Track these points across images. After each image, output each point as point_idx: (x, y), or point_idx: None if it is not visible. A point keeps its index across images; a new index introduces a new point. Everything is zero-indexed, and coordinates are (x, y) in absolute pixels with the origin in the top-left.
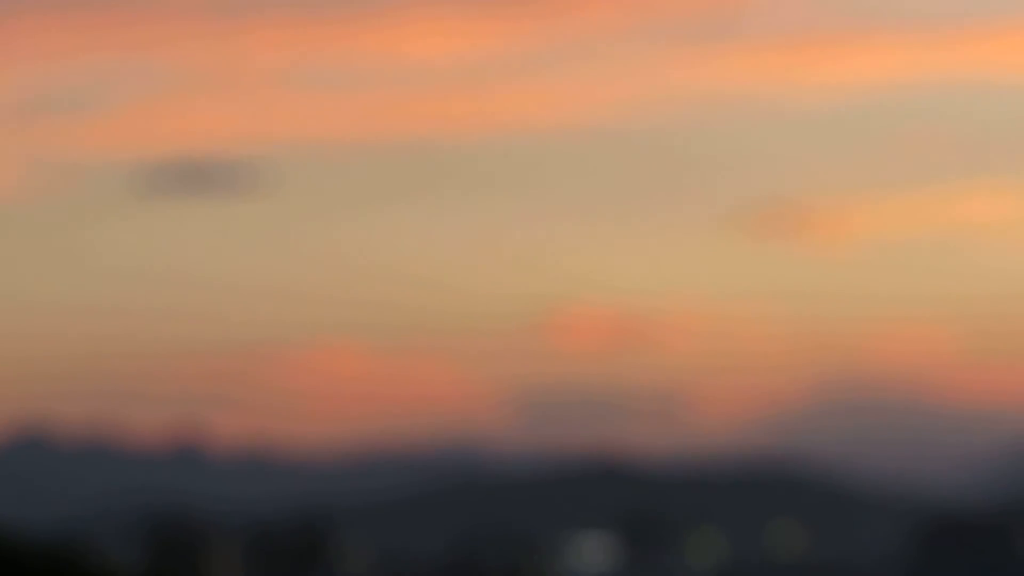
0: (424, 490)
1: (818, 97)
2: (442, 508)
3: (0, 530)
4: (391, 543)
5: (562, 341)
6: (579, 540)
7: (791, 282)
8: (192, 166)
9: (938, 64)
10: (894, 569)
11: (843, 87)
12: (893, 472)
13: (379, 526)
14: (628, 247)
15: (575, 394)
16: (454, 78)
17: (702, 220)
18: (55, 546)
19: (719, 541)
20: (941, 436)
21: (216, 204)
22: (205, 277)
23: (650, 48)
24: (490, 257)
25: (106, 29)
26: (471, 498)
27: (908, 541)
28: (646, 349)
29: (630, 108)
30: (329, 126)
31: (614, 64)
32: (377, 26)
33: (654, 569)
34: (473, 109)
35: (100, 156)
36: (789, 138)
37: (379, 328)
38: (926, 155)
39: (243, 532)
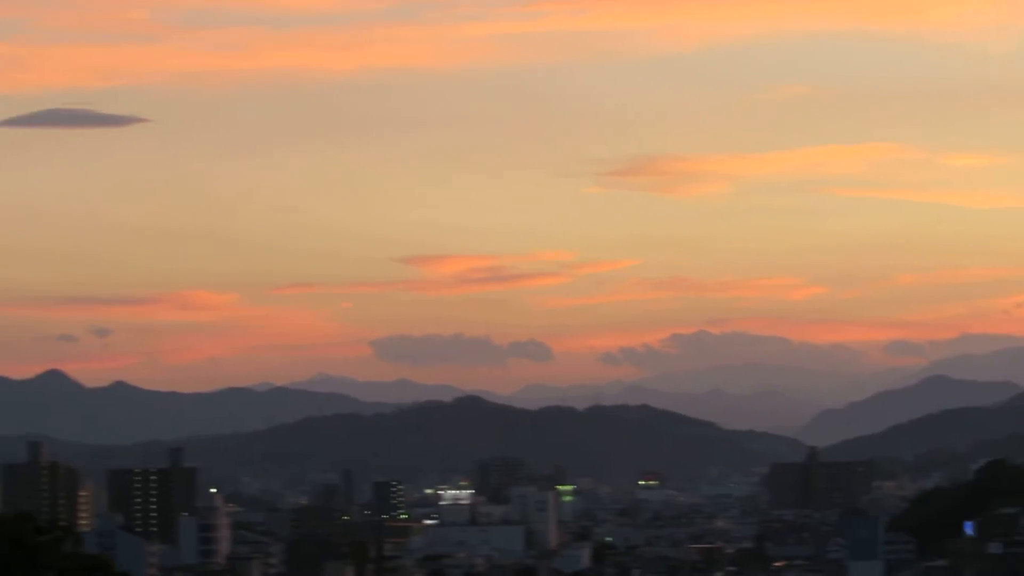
0: (291, 424)
1: (685, 53)
2: (308, 443)
3: None
4: (251, 474)
5: (429, 287)
6: (440, 471)
7: (653, 232)
8: (64, 107)
9: (804, 22)
10: (749, 504)
11: (710, 44)
12: (749, 409)
13: (243, 461)
14: (494, 197)
15: (441, 337)
16: (327, 24)
17: (568, 172)
18: None
19: (581, 480)
20: (796, 376)
21: (87, 144)
22: (72, 215)
23: (510, 4)
24: (357, 203)
25: None
26: (337, 434)
27: (761, 480)
28: (515, 297)
29: (501, 59)
30: (203, 68)
31: (485, 15)
32: None
33: (518, 504)
34: (344, 56)
35: None
36: (657, 94)
37: (248, 270)
38: (789, 113)
39: (103, 461)
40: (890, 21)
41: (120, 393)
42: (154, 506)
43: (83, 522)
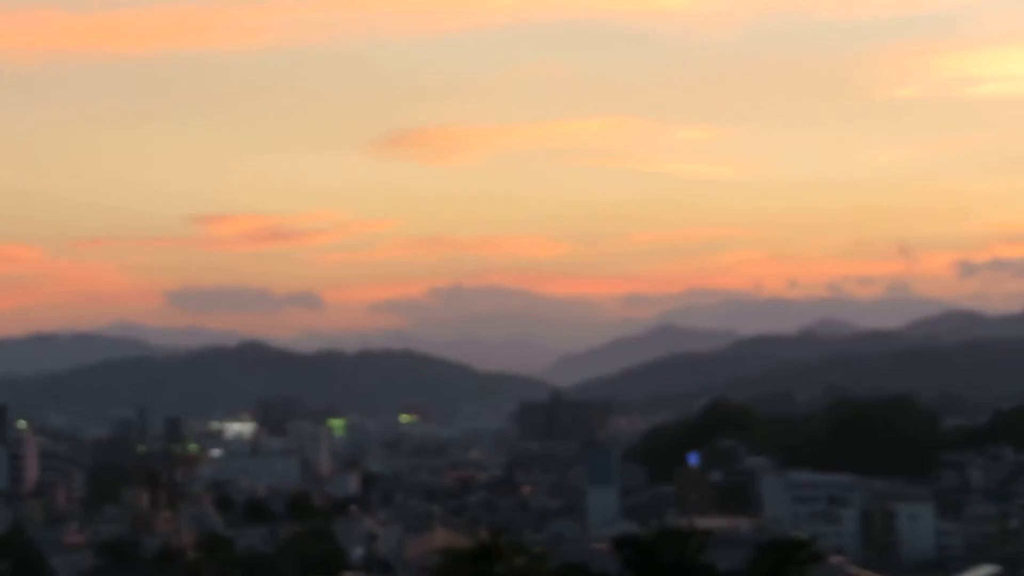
0: (89, 371)
1: (451, 34)
2: (108, 382)
3: None
4: (56, 411)
5: (216, 243)
6: (225, 408)
7: (420, 196)
8: None
9: (555, 12)
10: (500, 438)
11: (471, 25)
12: (500, 355)
13: (49, 397)
14: (276, 162)
15: (226, 288)
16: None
17: (343, 141)
18: None
19: (351, 416)
20: (544, 325)
21: None
22: None
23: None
24: (153, 167)
25: None
26: (133, 374)
27: (510, 416)
28: (292, 253)
29: (287, 40)
30: (75, 41)
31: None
32: None
33: (294, 436)
34: (146, 37)
35: None
36: (423, 71)
37: (52, 225)
38: (540, 89)
39: None
40: (633, 12)
41: None
42: None
43: None
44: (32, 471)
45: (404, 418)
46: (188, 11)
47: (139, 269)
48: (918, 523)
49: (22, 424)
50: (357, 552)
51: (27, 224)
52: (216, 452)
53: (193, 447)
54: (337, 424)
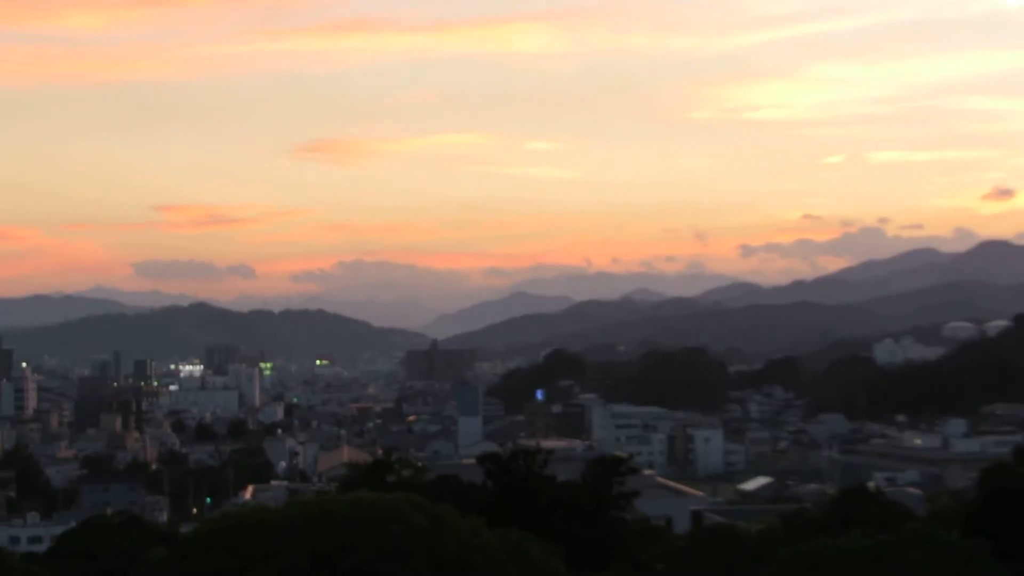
0: (74, 324)
1: (355, 71)
2: (91, 337)
3: None
4: (49, 354)
5: (172, 226)
6: (180, 353)
7: (331, 191)
8: None
9: (428, 49)
10: (391, 378)
11: (370, 66)
12: (391, 314)
13: (44, 344)
14: (222, 163)
15: (180, 261)
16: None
17: (274, 148)
18: None
19: (277, 360)
20: (426, 291)
21: None
22: None
23: (247, 25)
24: (128, 168)
25: None
26: (109, 327)
27: (399, 361)
28: (232, 235)
29: (235, 67)
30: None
31: (227, 37)
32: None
33: (233, 376)
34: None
35: None
36: (335, 96)
37: (45, 211)
38: (425, 110)
39: None
40: (497, 51)
41: None
42: None
43: None
44: (31, 402)
45: (318, 363)
46: (159, 46)
47: (113, 246)
48: (710, 444)
49: (23, 365)
50: (281, 465)
51: (27, 211)
52: (173, 387)
53: (155, 383)
54: (266, 367)
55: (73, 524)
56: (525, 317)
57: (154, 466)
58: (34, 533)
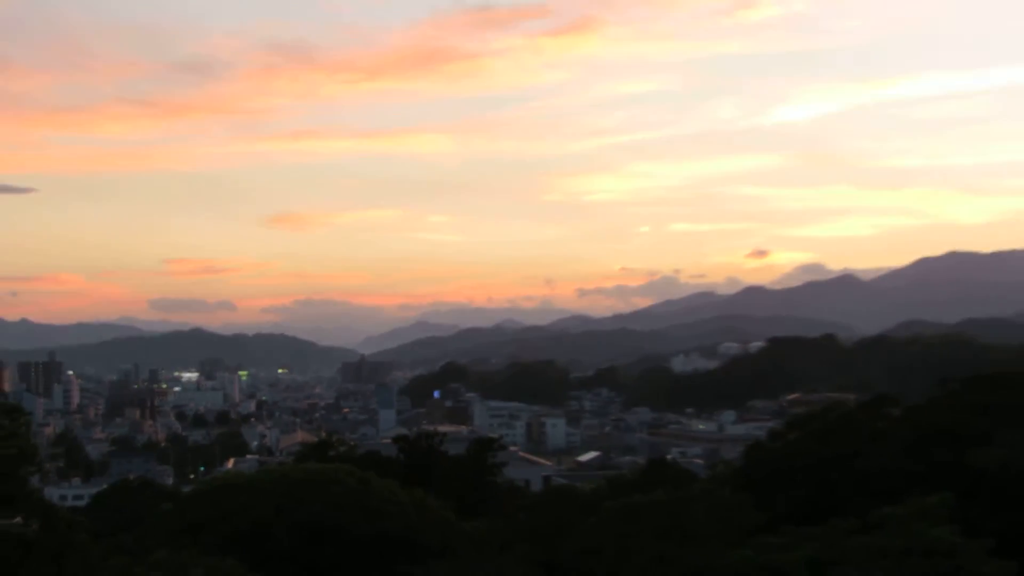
0: (106, 343)
1: (307, 165)
2: (118, 353)
3: None
4: (91, 366)
5: (178, 274)
6: (184, 367)
7: (292, 249)
8: None
9: (355, 151)
10: (332, 382)
11: (316, 162)
12: (332, 336)
13: (85, 358)
14: (210, 230)
15: (183, 299)
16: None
17: (252, 218)
18: None
19: (251, 369)
20: (356, 320)
21: None
22: None
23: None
24: (145, 233)
25: None
26: (131, 346)
27: (337, 370)
28: (219, 280)
29: (207, 160)
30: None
31: (219, 141)
32: None
33: (220, 381)
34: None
35: None
36: (297, 179)
37: (94, 265)
38: (355, 192)
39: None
40: (406, 150)
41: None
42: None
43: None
44: (75, 398)
45: (280, 371)
46: (170, 148)
47: (135, 288)
48: (556, 429)
49: (69, 373)
50: (254, 444)
51: (73, 261)
52: (177, 389)
53: (164, 386)
54: (243, 374)
55: (105, 486)
56: (427, 339)
57: (163, 445)
58: (77, 492)
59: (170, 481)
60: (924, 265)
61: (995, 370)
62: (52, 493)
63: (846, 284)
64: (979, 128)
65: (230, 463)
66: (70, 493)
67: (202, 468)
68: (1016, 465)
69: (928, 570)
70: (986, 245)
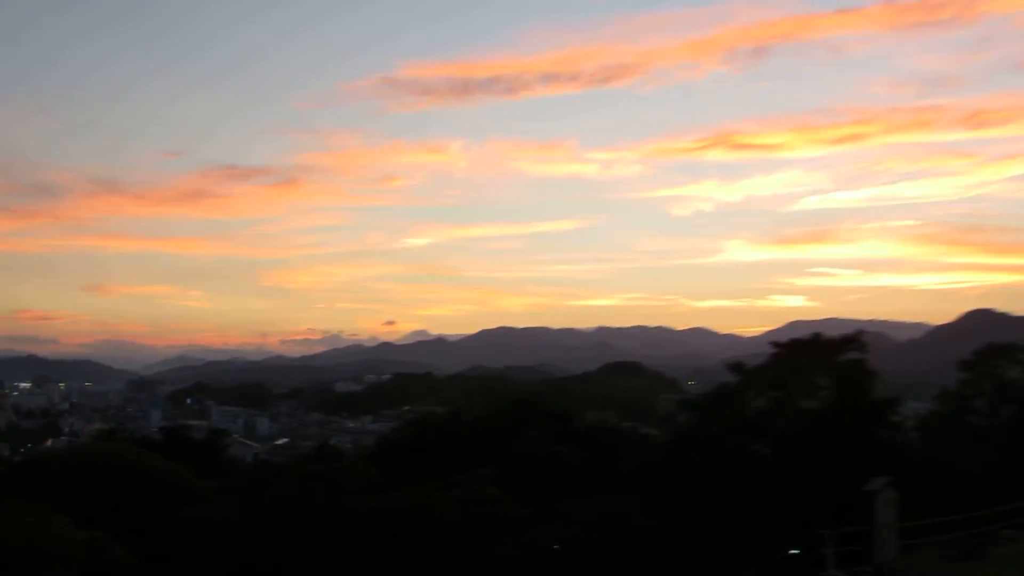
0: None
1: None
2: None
3: None
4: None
5: (23, 320)
6: (21, 383)
7: (107, 309)
8: None
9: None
10: (120, 395)
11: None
12: (123, 363)
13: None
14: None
15: (28, 336)
16: None
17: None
18: None
19: (67, 383)
20: (139, 353)
21: None
22: None
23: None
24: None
25: None
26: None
27: (124, 386)
28: (50, 326)
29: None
30: None
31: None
32: None
33: (44, 390)
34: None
35: None
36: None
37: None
38: (146, 275)
39: None
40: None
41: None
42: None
43: None
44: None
45: (87, 383)
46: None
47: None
48: (263, 424)
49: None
50: (66, 430)
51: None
52: (15, 393)
53: (7, 391)
54: (62, 385)
55: None
56: (185, 367)
57: (2, 430)
58: None
59: (7, 454)
60: (484, 334)
61: (523, 396)
62: None
63: (441, 343)
64: (521, 256)
65: (48, 442)
66: None
67: (29, 445)
68: (534, 452)
69: (477, 511)
70: (522, 323)
